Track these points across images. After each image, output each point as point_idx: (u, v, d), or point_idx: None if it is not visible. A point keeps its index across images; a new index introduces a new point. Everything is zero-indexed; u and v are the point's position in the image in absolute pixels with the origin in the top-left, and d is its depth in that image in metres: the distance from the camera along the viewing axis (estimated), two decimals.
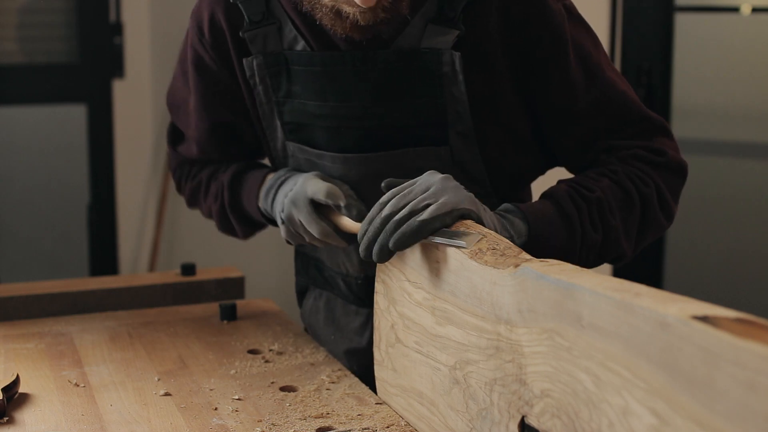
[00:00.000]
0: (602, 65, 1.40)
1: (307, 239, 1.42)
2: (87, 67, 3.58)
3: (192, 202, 1.66)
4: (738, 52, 3.49)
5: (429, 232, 1.17)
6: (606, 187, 1.34)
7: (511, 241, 1.23)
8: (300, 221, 1.40)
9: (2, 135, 3.65)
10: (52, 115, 3.66)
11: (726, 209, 3.43)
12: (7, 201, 3.65)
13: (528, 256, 1.06)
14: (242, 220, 1.57)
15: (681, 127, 3.24)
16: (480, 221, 1.20)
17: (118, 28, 3.59)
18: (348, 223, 1.36)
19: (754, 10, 3.35)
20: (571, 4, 1.40)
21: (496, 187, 1.43)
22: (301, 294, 1.67)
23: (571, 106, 1.38)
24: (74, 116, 3.63)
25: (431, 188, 1.21)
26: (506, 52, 1.35)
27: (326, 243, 1.42)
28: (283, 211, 1.43)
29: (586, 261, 1.35)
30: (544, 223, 1.30)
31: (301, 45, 1.40)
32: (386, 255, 1.20)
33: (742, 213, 3.45)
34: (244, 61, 1.45)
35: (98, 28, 3.57)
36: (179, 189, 1.69)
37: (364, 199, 1.38)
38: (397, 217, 1.19)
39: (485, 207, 1.26)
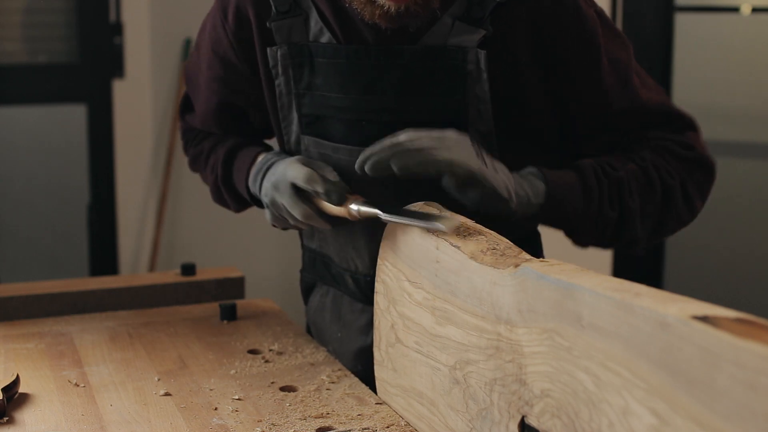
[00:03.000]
0: (634, 70, 1.41)
1: (291, 222, 1.43)
2: (87, 67, 3.58)
3: (194, 168, 1.70)
4: (738, 52, 3.49)
5: (434, 170, 1.24)
6: (630, 170, 1.38)
7: (528, 200, 1.31)
8: (283, 205, 1.41)
9: (2, 135, 3.65)
10: (52, 115, 3.66)
11: (726, 209, 3.43)
12: (7, 201, 3.65)
13: (528, 256, 1.06)
14: (234, 196, 1.59)
15: None
16: (484, 179, 1.26)
17: (118, 28, 3.59)
18: (329, 206, 1.37)
19: (754, 10, 3.35)
20: (602, 9, 1.41)
21: None
22: (308, 291, 1.67)
23: (603, 111, 1.40)
24: (74, 116, 3.63)
25: (445, 141, 1.26)
26: (535, 55, 1.36)
27: (309, 225, 1.43)
28: (266, 195, 1.44)
29: (602, 236, 1.39)
30: (564, 189, 1.34)
31: (326, 37, 1.41)
32: (381, 170, 1.26)
33: (742, 213, 3.45)
34: (268, 50, 1.45)
35: (98, 28, 3.57)
36: (185, 151, 1.72)
37: (379, 194, 1.37)
38: (408, 147, 1.25)
39: (495, 163, 1.30)
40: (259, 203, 1.53)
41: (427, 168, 1.25)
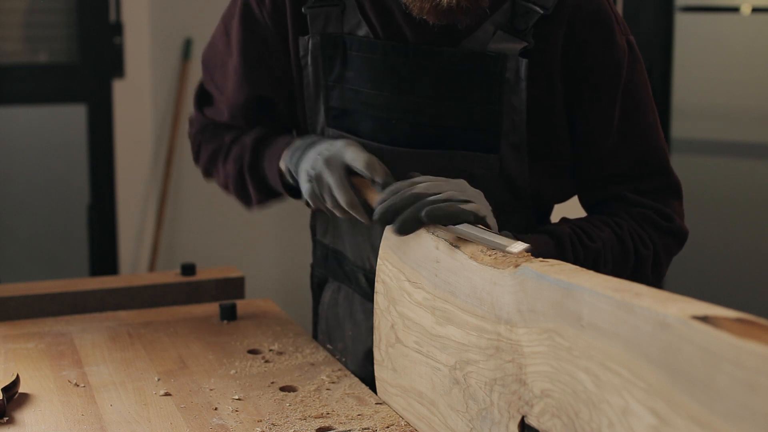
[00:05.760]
0: (647, 110, 1.40)
1: (329, 204, 1.34)
2: (87, 67, 3.58)
3: (209, 168, 1.60)
4: (738, 52, 3.49)
5: (463, 221, 1.16)
6: (607, 239, 1.35)
7: None
8: (329, 184, 1.32)
9: (2, 135, 3.65)
10: (52, 115, 3.66)
11: (726, 209, 3.43)
12: (7, 201, 3.65)
13: (528, 257, 1.06)
14: (258, 184, 1.51)
15: (681, 127, 3.24)
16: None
17: (118, 28, 3.59)
18: (376, 199, 1.29)
19: (754, 10, 3.35)
20: (634, 41, 1.40)
21: (535, 207, 1.43)
22: (320, 286, 1.62)
23: (605, 138, 1.38)
24: (74, 116, 3.63)
25: (465, 191, 1.22)
26: (564, 72, 1.36)
27: (347, 214, 1.34)
28: (313, 168, 1.34)
29: None
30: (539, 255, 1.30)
31: (363, 30, 1.39)
32: (412, 226, 1.18)
33: (742, 213, 3.45)
34: (300, 39, 1.43)
35: (98, 28, 3.57)
36: (196, 157, 1.62)
37: None
38: (433, 198, 1.18)
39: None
40: (289, 188, 1.46)
41: (457, 219, 1.17)
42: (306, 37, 1.42)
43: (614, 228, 1.37)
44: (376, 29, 1.38)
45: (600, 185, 1.42)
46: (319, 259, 1.61)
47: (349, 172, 1.33)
